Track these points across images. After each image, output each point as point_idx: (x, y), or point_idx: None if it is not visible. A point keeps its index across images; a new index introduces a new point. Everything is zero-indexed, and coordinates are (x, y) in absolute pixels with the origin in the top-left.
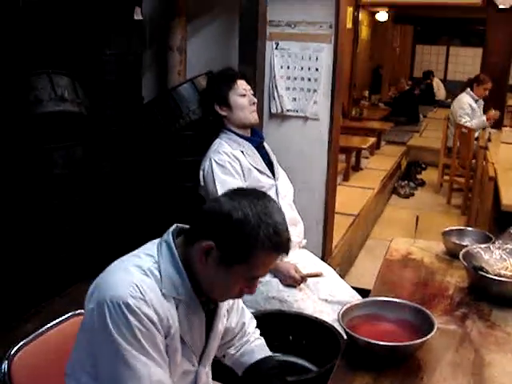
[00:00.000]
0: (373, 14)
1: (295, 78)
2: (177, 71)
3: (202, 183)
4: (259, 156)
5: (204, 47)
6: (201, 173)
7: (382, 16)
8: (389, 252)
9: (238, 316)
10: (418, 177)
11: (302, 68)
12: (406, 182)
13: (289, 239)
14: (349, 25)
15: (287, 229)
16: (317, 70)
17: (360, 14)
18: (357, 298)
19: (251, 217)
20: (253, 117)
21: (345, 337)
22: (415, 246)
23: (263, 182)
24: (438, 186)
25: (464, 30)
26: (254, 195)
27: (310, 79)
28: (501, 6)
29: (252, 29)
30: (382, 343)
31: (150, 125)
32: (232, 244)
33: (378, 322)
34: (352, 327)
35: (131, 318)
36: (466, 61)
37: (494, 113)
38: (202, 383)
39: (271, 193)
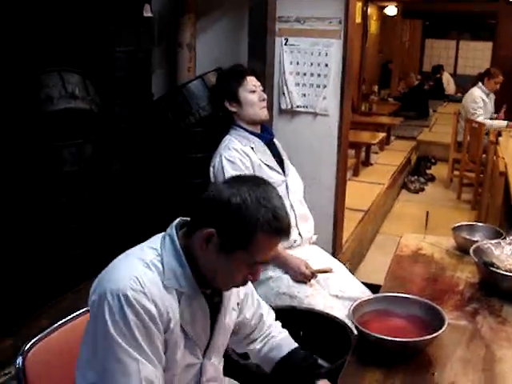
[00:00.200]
0: (382, 8)
1: (305, 74)
2: (186, 68)
3: (213, 179)
4: (269, 152)
5: (213, 44)
6: (211, 169)
7: (391, 10)
8: (399, 248)
9: (253, 308)
10: (428, 172)
11: (311, 64)
12: (416, 177)
13: (289, 223)
14: (358, 19)
15: (287, 213)
16: (326, 65)
17: (369, 9)
18: (367, 294)
19: (250, 202)
20: (263, 113)
21: (355, 332)
22: (425, 242)
23: (273, 178)
24: (448, 181)
25: (474, 24)
26: (253, 181)
27: (319, 75)
28: None
29: (261, 25)
30: (392, 339)
31: (159, 122)
32: (232, 230)
33: (389, 317)
34: (363, 323)
35: (128, 311)
36: (476, 55)
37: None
38: (209, 376)
39: (281, 189)
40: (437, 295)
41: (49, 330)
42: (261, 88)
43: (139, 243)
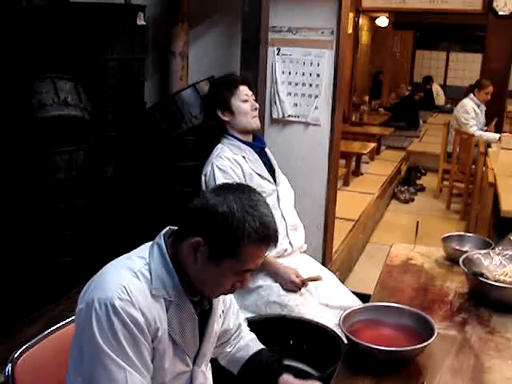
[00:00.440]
0: (373, 19)
1: (296, 84)
2: (179, 76)
3: (204, 188)
4: (261, 161)
5: (206, 52)
6: (202, 178)
7: (383, 21)
8: (389, 257)
9: (234, 317)
10: (418, 182)
11: (303, 74)
12: (406, 187)
13: (276, 230)
14: (349, 30)
15: (274, 220)
16: (318, 75)
17: (360, 19)
18: (357, 303)
19: (236, 210)
20: (254, 122)
21: (345, 341)
22: (415, 252)
23: (265, 187)
24: (438, 191)
25: (464, 36)
26: (240, 189)
27: (311, 85)
28: (501, 13)
29: (254, 34)
30: (382, 348)
31: (152, 129)
32: (219, 238)
33: (379, 327)
34: (353, 332)
35: (115, 320)
36: (466, 66)
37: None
38: (199, 383)
39: (272, 198)
40: (426, 305)
41: (38, 337)
42: (253, 97)
43: (130, 250)
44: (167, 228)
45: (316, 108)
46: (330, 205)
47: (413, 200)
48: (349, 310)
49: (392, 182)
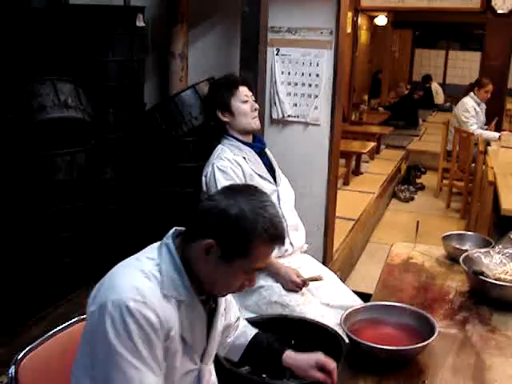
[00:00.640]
0: (372, 18)
1: (296, 84)
2: (178, 77)
3: (205, 189)
4: (261, 162)
5: (205, 53)
6: (203, 178)
7: (381, 20)
8: (390, 256)
9: (234, 311)
10: (418, 181)
11: (302, 74)
12: (406, 186)
13: (284, 230)
14: (348, 29)
15: (282, 220)
16: (317, 75)
17: (359, 19)
18: (358, 303)
19: (248, 212)
20: (254, 123)
21: (347, 341)
22: (416, 251)
23: (265, 187)
24: (438, 190)
25: (463, 35)
26: (249, 191)
27: (310, 85)
28: (499, 11)
29: (253, 35)
30: (383, 347)
31: (152, 131)
32: (232, 240)
33: (380, 326)
34: (354, 331)
35: (130, 322)
36: (465, 65)
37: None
38: (206, 380)
39: (273, 198)
40: (427, 304)
41: (41, 338)
42: (253, 98)
43: (132, 251)
44: (173, 229)
45: (316, 108)
46: (330, 204)
47: (413, 199)
48: (350, 310)
49: (392, 181)
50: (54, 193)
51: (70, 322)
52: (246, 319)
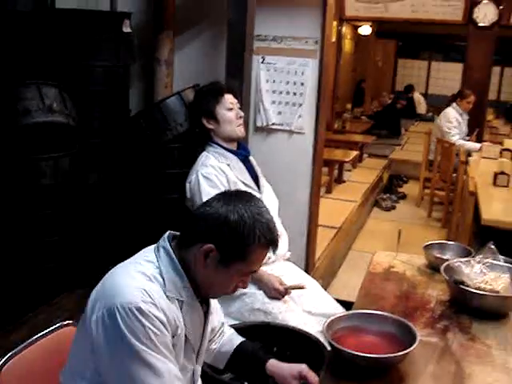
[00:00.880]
0: (356, 27)
1: (281, 92)
2: (164, 84)
3: (189, 195)
4: (245, 169)
5: (191, 60)
6: (187, 185)
7: (365, 30)
8: (371, 265)
9: (218, 316)
10: (400, 190)
11: (287, 82)
12: (388, 194)
13: (277, 234)
14: (332, 38)
15: (275, 225)
16: (302, 84)
17: (343, 28)
18: (340, 311)
19: (247, 217)
20: (239, 130)
21: (329, 348)
22: (397, 260)
23: None
24: (419, 199)
25: (445, 46)
26: (245, 197)
27: (295, 93)
28: (481, 24)
29: (239, 43)
30: (365, 355)
31: (137, 137)
32: (231, 244)
33: (362, 334)
34: (336, 339)
35: (145, 322)
36: (447, 75)
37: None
38: (198, 380)
39: None
40: (408, 312)
41: (24, 344)
42: (238, 105)
43: (116, 256)
44: (168, 232)
45: (300, 116)
46: (313, 212)
47: (394, 208)
48: (332, 318)
49: (374, 189)
50: (37, 197)
51: (53, 327)
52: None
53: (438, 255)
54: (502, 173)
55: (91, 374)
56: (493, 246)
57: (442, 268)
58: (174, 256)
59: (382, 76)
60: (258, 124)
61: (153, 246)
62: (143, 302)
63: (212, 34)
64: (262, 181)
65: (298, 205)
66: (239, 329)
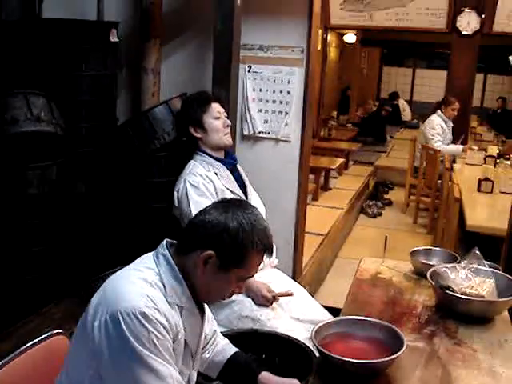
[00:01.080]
0: (341, 35)
1: (267, 101)
2: (151, 92)
3: (177, 204)
4: (232, 178)
5: (178, 69)
6: (175, 194)
7: (350, 38)
8: (358, 271)
9: (210, 324)
10: (386, 197)
11: (274, 91)
12: (374, 201)
13: (272, 241)
14: (318, 47)
15: (270, 231)
16: (288, 92)
17: (328, 36)
18: (328, 317)
19: (245, 224)
20: (227, 139)
21: (317, 355)
22: (384, 266)
23: None
24: (405, 205)
25: (429, 53)
26: (242, 205)
27: (281, 102)
28: (464, 32)
29: (226, 52)
30: (353, 360)
31: (124, 146)
32: (230, 250)
33: (350, 339)
34: (324, 345)
35: (148, 326)
36: (432, 83)
37: (469, 147)
38: None
39: None
40: (395, 318)
41: (13, 354)
42: (225, 114)
43: (103, 265)
44: (165, 240)
45: (286, 124)
46: (300, 220)
47: (380, 214)
48: (320, 324)
49: (360, 196)
50: (24, 206)
51: (43, 336)
52: None
53: (424, 261)
54: (486, 179)
55: (89, 379)
56: (478, 252)
57: (428, 274)
58: (173, 263)
59: (367, 83)
60: (245, 132)
61: (151, 254)
62: (147, 307)
63: (199, 43)
64: (250, 189)
65: (285, 212)
66: (228, 336)
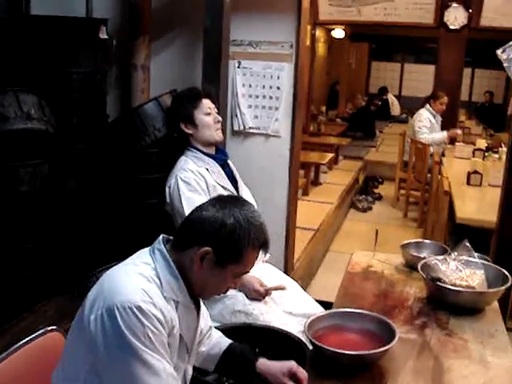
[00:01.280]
0: (329, 31)
1: (257, 96)
2: (140, 89)
3: (168, 200)
4: (223, 173)
5: (167, 66)
6: (167, 190)
7: (339, 33)
8: (350, 265)
9: (205, 319)
10: (375, 191)
11: (263, 86)
12: (364, 196)
13: (269, 237)
14: (307, 42)
15: (267, 228)
16: (278, 88)
17: (317, 31)
18: (320, 311)
19: (242, 221)
20: (218, 135)
21: (310, 347)
22: (375, 259)
23: None
24: (395, 199)
25: (417, 48)
26: (238, 202)
27: (271, 97)
28: (451, 27)
29: (215, 48)
30: (346, 352)
31: (115, 142)
32: (227, 247)
33: (343, 332)
34: (318, 338)
35: (144, 321)
36: (420, 77)
37: (455, 131)
38: (189, 380)
39: None
40: (387, 310)
41: (7, 352)
42: (215, 110)
43: (96, 261)
44: (161, 236)
45: (276, 120)
46: (291, 215)
47: (371, 209)
48: (313, 317)
49: (350, 191)
50: (16, 204)
51: (37, 333)
52: None
53: (415, 254)
54: (475, 172)
55: (85, 374)
56: (468, 244)
57: (419, 266)
58: (169, 258)
59: (356, 78)
60: (235, 128)
61: (147, 249)
62: (143, 302)
63: (188, 40)
64: (241, 184)
65: (276, 207)
66: (221, 331)
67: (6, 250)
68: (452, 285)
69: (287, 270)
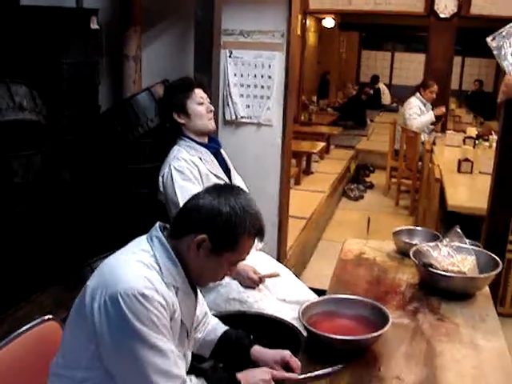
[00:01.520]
0: (319, 20)
1: (248, 86)
2: (132, 80)
3: (162, 189)
4: (216, 162)
5: (159, 56)
6: (160, 179)
7: (329, 22)
8: (343, 252)
9: (200, 306)
10: (367, 179)
11: (255, 76)
12: (356, 184)
13: (264, 225)
14: (297, 31)
15: (262, 216)
16: (269, 77)
17: (307, 21)
18: (313, 297)
19: (238, 209)
20: (210, 124)
21: (305, 334)
22: (367, 246)
23: None
24: (386, 188)
25: (407, 37)
26: (234, 190)
27: (263, 86)
28: (442, 15)
29: (207, 38)
30: (340, 337)
31: (108, 133)
32: (223, 234)
33: (336, 318)
34: (312, 324)
35: (148, 306)
36: (410, 66)
37: (440, 109)
38: (189, 365)
39: None
40: (380, 296)
41: (5, 340)
42: (208, 100)
43: (91, 251)
44: (158, 223)
45: (268, 109)
46: (283, 203)
47: (362, 197)
48: (307, 303)
49: (342, 180)
50: (10, 195)
51: (34, 322)
52: None
53: (407, 240)
54: (466, 160)
55: (87, 361)
56: (459, 230)
57: (411, 252)
58: (167, 245)
59: (347, 68)
60: (227, 117)
61: (144, 236)
62: (146, 288)
63: (179, 30)
64: (233, 173)
65: (269, 196)
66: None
67: (2, 241)
68: (444, 270)
69: (280, 258)
